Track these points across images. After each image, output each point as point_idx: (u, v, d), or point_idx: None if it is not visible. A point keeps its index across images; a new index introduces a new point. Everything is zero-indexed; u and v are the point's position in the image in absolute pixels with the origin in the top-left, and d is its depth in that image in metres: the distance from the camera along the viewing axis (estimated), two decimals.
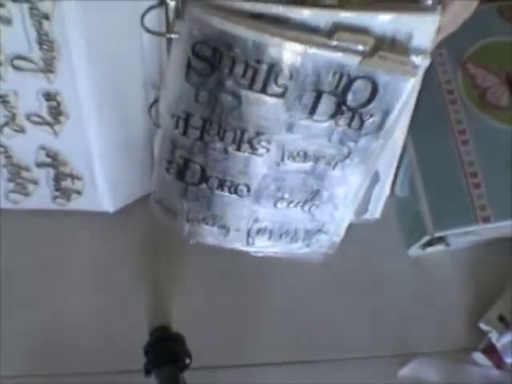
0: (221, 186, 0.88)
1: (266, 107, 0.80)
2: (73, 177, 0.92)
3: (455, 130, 0.94)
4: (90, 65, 0.83)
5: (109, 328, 0.94)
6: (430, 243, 0.94)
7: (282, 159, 0.85)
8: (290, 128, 0.82)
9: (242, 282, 0.96)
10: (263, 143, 0.83)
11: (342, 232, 0.92)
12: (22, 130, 0.89)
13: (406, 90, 0.80)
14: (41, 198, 0.94)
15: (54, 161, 0.91)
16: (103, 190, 0.94)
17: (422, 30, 0.80)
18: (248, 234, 0.92)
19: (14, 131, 0.89)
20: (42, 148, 0.90)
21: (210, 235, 0.92)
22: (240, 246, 0.93)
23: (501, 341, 0.92)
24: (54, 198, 0.92)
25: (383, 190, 0.95)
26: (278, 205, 0.90)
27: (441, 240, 0.93)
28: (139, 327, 0.92)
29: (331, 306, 0.95)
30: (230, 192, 0.88)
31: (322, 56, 0.75)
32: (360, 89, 0.78)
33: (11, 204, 0.95)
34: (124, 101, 0.89)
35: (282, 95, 0.79)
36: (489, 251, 0.97)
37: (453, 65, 0.98)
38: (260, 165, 0.86)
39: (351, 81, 0.77)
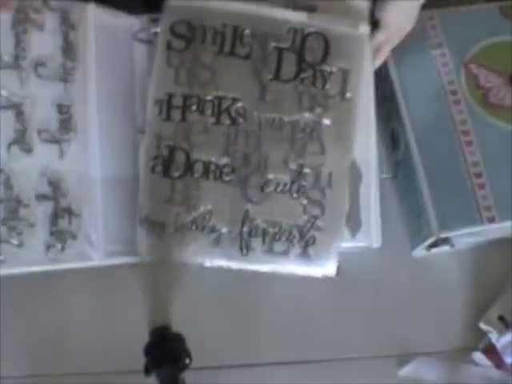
0: (206, 172, 0.92)
1: (237, 72, 0.94)
2: (71, 212, 0.90)
3: (459, 131, 0.94)
4: (99, 77, 0.93)
5: (109, 328, 0.94)
6: (434, 244, 0.93)
7: (260, 127, 0.93)
8: (262, 94, 0.94)
9: (242, 282, 0.96)
10: (240, 110, 0.93)
11: (337, 242, 0.92)
12: (29, 150, 0.90)
13: (355, 47, 0.95)
14: (34, 248, 0.89)
15: (54, 191, 0.90)
16: (99, 231, 0.91)
17: None
18: (241, 238, 0.91)
19: (21, 151, 0.90)
20: (45, 174, 0.90)
21: (200, 246, 0.92)
22: (235, 258, 0.92)
23: (501, 341, 0.92)
24: (48, 247, 0.89)
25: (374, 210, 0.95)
26: (266, 189, 0.92)
27: (445, 241, 0.93)
28: (139, 327, 0.91)
29: (332, 306, 0.95)
30: (216, 178, 0.92)
31: (276, 14, 0.95)
32: (314, 45, 0.95)
33: None
34: (124, 126, 0.95)
35: (248, 56, 0.95)
36: (489, 252, 0.97)
37: (456, 65, 0.98)
38: (240, 140, 0.93)
39: (305, 36, 0.95)
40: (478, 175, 0.92)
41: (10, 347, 0.91)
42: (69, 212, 0.89)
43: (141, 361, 0.86)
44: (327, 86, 0.94)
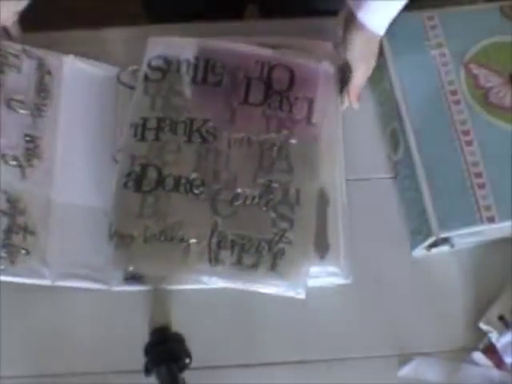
0: (177, 185, 0.95)
1: (208, 98, 1.01)
2: (26, 230, 0.92)
3: (459, 131, 0.95)
4: (73, 115, 1.01)
5: (109, 328, 0.93)
6: (434, 244, 0.94)
7: (229, 145, 0.98)
8: (232, 116, 0.99)
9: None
10: (210, 130, 0.98)
11: (306, 262, 0.93)
12: None
13: (319, 78, 1.02)
14: None
15: (11, 208, 0.92)
16: (55, 252, 0.93)
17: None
18: (209, 249, 0.92)
19: None
20: (5, 192, 0.93)
21: (170, 257, 0.92)
22: (205, 271, 0.92)
23: (501, 341, 0.92)
24: None
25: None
26: (235, 203, 0.95)
27: (445, 241, 0.93)
28: (139, 327, 0.91)
29: (331, 306, 0.95)
30: (186, 191, 0.95)
31: (244, 49, 1.04)
32: (280, 75, 1.02)
33: None
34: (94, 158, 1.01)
35: (219, 84, 1.02)
36: (489, 252, 0.97)
37: (455, 65, 0.98)
38: (211, 157, 0.97)
39: (271, 68, 1.02)
40: (478, 175, 0.92)
41: (10, 347, 0.91)
42: (24, 229, 0.92)
43: (141, 361, 0.86)
44: (294, 111, 1.00)
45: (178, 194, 0.94)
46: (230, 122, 0.99)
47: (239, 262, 0.92)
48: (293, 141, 0.98)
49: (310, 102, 1.00)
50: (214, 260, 0.91)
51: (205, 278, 0.92)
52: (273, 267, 0.92)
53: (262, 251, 0.92)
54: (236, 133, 0.98)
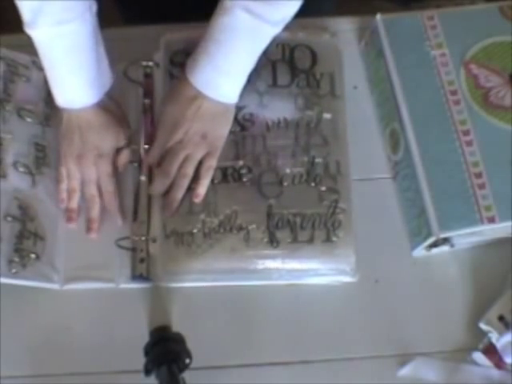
0: (224, 176, 0.97)
1: None
2: (36, 235, 0.95)
3: (459, 131, 0.94)
4: None
5: (109, 328, 0.94)
6: (434, 244, 0.93)
7: (268, 129, 0.99)
8: (263, 99, 1.01)
9: (242, 282, 0.96)
10: (246, 116, 0.99)
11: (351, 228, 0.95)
12: (3, 176, 0.95)
13: (333, 52, 1.05)
14: None
15: (23, 214, 0.95)
16: (62, 257, 0.96)
17: None
18: (269, 231, 0.94)
19: None
20: (17, 198, 0.95)
21: (232, 247, 0.94)
22: (265, 253, 0.94)
23: (501, 341, 0.92)
24: (10, 261, 0.92)
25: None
26: (284, 183, 0.97)
27: (445, 241, 0.93)
28: (139, 327, 0.91)
29: (331, 306, 0.95)
30: (234, 179, 0.97)
31: None
32: (302, 55, 1.04)
33: None
34: None
35: None
36: (489, 251, 0.97)
37: (455, 65, 0.98)
38: (248, 143, 0.99)
39: (292, 49, 1.05)
40: (478, 175, 0.92)
41: (10, 347, 0.91)
42: (35, 235, 0.95)
43: (141, 361, 0.86)
44: (321, 86, 1.02)
45: (227, 184, 0.96)
46: (262, 106, 1.01)
47: (295, 239, 0.94)
48: (326, 116, 1.00)
49: (332, 76, 1.03)
50: (275, 242, 0.94)
51: (266, 262, 0.94)
52: (328, 238, 0.94)
53: (317, 226, 0.95)
54: (271, 115, 1.00)
